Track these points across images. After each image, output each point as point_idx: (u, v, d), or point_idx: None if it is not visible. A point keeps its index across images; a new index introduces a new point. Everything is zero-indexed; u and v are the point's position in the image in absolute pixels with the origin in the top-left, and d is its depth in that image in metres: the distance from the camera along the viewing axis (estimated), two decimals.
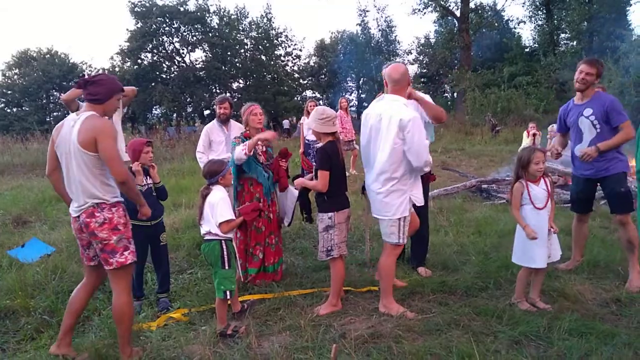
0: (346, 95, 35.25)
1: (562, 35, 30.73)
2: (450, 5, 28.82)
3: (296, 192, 4.01)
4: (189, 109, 33.72)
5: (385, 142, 3.21)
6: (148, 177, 3.78)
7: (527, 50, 31.60)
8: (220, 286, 3.21)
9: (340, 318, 3.35)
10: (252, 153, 3.93)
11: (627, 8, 28.18)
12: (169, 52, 32.08)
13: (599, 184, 3.84)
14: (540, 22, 31.71)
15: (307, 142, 8.39)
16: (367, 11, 39.61)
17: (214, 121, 5.31)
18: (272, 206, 4.17)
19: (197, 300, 3.82)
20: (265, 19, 34.79)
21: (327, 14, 61.10)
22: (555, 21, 29.83)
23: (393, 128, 3.15)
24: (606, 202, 4.30)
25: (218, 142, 5.20)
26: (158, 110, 32.40)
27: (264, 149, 4.19)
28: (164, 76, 31.64)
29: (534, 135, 9.76)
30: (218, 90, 33.17)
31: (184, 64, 32.49)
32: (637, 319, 2.95)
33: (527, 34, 47.19)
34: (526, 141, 9.94)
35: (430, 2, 28.76)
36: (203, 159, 5.18)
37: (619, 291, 3.47)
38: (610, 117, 3.61)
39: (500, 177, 7.69)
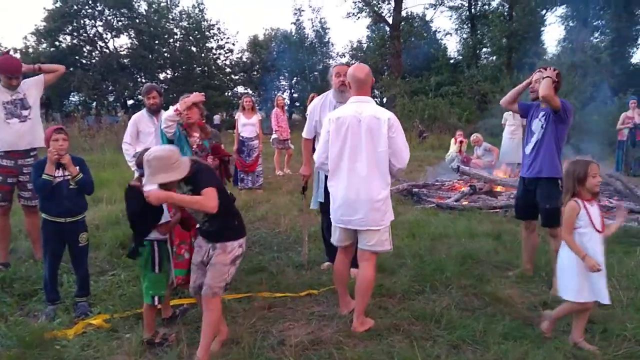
0: (279, 94, 35.09)
1: (484, 49, 32.66)
2: (383, 12, 29.57)
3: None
4: (111, 98, 31.77)
5: (379, 146, 3.02)
6: (62, 169, 3.37)
7: (452, 61, 33.21)
8: (149, 291, 2.93)
9: (279, 323, 3.21)
10: (183, 117, 3.65)
11: (542, 29, 30.54)
12: (90, 36, 29.97)
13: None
14: (465, 36, 33.48)
15: (241, 138, 8.14)
16: (303, 11, 39.73)
17: (143, 111, 4.95)
18: None
19: (120, 304, 3.50)
20: (197, 9, 33.68)
21: (261, 10, 60.54)
22: (479, 35, 31.63)
23: (384, 129, 3.00)
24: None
25: (147, 133, 4.85)
26: (76, 97, 30.16)
27: (200, 142, 3.92)
28: (84, 61, 29.50)
29: (461, 142, 10.20)
30: (144, 80, 31.51)
31: (107, 50, 30.54)
32: (565, 322, 3.08)
33: (452, 46, 49.60)
34: (453, 148, 10.37)
35: (364, 7, 29.28)
36: (130, 151, 4.84)
37: (545, 295, 3.63)
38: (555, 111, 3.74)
39: (430, 182, 7.93)
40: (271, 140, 9.77)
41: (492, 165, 9.14)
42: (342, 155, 3.11)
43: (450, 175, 8.53)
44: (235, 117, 8.50)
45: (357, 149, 3.05)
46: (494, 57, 31.04)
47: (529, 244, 4.12)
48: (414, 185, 7.62)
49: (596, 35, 27.33)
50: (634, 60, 28.52)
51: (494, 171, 8.16)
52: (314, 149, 3.88)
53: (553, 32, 70.03)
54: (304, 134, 4.24)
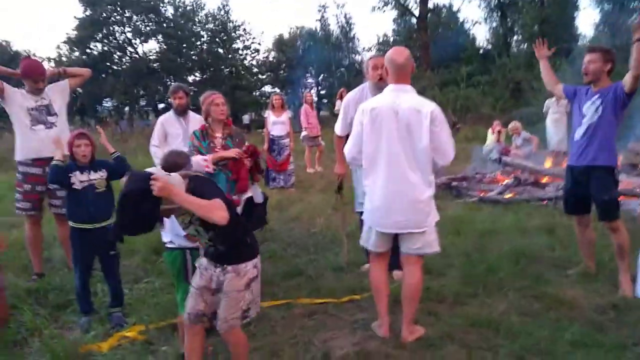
0: (307, 91, 34.86)
1: (515, 37, 31.62)
2: (409, 4, 28.98)
3: (261, 195, 3.56)
4: (142, 103, 32.27)
5: (420, 142, 2.71)
6: (90, 172, 3.29)
7: (481, 51, 32.25)
8: (184, 302, 2.76)
9: (321, 333, 2.98)
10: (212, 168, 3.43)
11: (575, 13, 29.34)
12: (120, 42, 30.50)
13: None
14: (494, 24, 32.47)
15: (272, 137, 7.97)
16: (327, 7, 39.35)
17: (170, 112, 4.82)
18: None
19: (155, 314, 3.35)
20: (223, 11, 33.80)
21: (286, 9, 60.45)
22: (509, 23, 30.61)
23: (426, 123, 2.68)
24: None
25: (175, 136, 4.71)
26: (109, 103, 30.77)
27: (223, 142, 3.73)
28: (115, 67, 30.02)
29: (499, 132, 9.75)
30: (173, 83, 31.90)
31: (137, 55, 31.00)
32: None
33: (481, 35, 48.37)
34: (491, 138, 9.92)
35: (389, 0, 28.78)
36: (158, 153, 4.68)
37: (613, 296, 3.28)
38: (616, 90, 3.37)
39: (469, 175, 7.55)
40: (301, 137, 9.56)
41: (531, 155, 8.66)
42: (378, 151, 2.79)
43: (491, 167, 8.12)
44: (265, 116, 8.34)
45: (395, 145, 2.73)
46: (525, 45, 29.97)
47: (586, 240, 3.75)
48: (452, 179, 7.27)
49: (635, 16, 26.06)
50: None
51: (545, 159, 7.63)
52: None
53: (587, 15, 67.32)
54: (337, 131, 3.96)
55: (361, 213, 3.21)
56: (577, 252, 3.97)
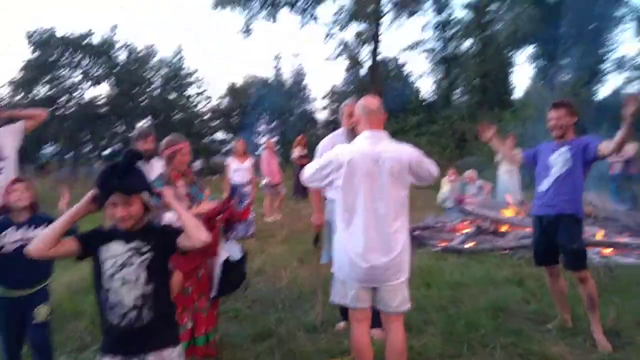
0: (254, 136, 34.75)
1: (458, 90, 33.39)
2: (359, 58, 30.22)
3: (239, 251, 3.32)
4: (87, 148, 31.03)
5: (401, 189, 2.70)
6: (28, 229, 2.78)
7: (424, 103, 33.68)
8: None
9: None
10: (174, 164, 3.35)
11: (512, 68, 31.58)
12: (66, 86, 29.55)
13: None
14: (439, 76, 34.26)
15: (233, 184, 7.72)
16: (281, 57, 40.26)
17: None
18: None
19: None
20: (176, 57, 33.79)
21: (238, 58, 61.30)
22: (453, 76, 32.38)
23: (406, 173, 2.70)
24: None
25: None
26: (50, 148, 29.29)
27: (188, 190, 3.51)
28: (61, 111, 28.92)
29: (452, 181, 9.98)
30: (123, 127, 31.00)
31: (84, 100, 30.09)
32: None
33: (424, 87, 50.69)
34: (446, 187, 10.11)
35: (342, 52, 29.91)
36: None
37: (597, 353, 3.23)
38: (588, 147, 3.46)
39: (431, 224, 7.58)
40: (262, 185, 9.37)
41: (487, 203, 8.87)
42: (357, 201, 2.66)
43: (451, 216, 8.22)
44: (226, 163, 8.12)
45: (375, 193, 2.65)
46: (467, 97, 31.66)
47: (558, 291, 3.76)
48: (415, 228, 7.26)
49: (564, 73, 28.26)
50: (600, 97, 29.47)
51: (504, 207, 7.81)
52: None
53: (523, 70, 72.82)
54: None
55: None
56: (550, 305, 3.95)
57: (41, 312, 2.82)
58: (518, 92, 30.94)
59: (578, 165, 3.51)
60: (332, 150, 2.84)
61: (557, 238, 3.56)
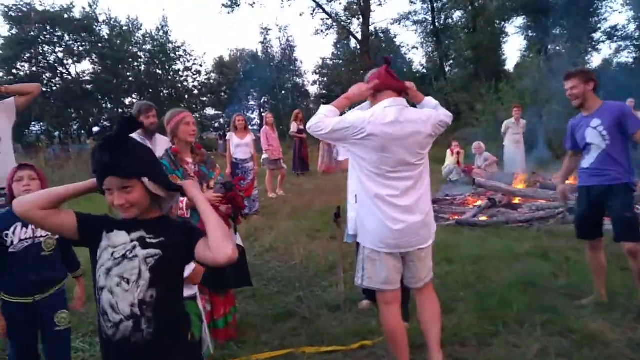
0: (243, 113, 34.02)
1: (451, 61, 33.02)
2: (351, 28, 29.55)
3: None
4: (75, 126, 30.35)
5: (426, 149, 2.64)
6: (28, 228, 2.38)
7: (417, 75, 33.30)
8: None
9: None
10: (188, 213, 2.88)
11: (505, 39, 31.30)
12: (50, 62, 28.62)
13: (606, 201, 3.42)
14: (430, 49, 33.82)
15: (235, 160, 7.48)
16: (270, 30, 39.34)
17: (135, 134, 4.24)
18: None
19: None
20: (162, 32, 32.78)
21: (226, 32, 59.86)
22: (445, 48, 31.96)
23: (429, 132, 2.59)
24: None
25: None
26: (37, 127, 28.58)
27: (197, 168, 3.26)
28: (45, 89, 28.07)
29: (458, 153, 9.82)
30: (109, 105, 30.27)
31: (69, 76, 29.21)
32: None
33: (417, 59, 50.11)
34: (450, 159, 9.97)
35: (332, 24, 29.20)
36: None
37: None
38: (622, 126, 3.28)
39: (440, 197, 7.43)
40: (262, 160, 9.11)
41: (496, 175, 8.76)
42: (387, 167, 2.50)
43: (461, 189, 8.07)
44: (227, 138, 7.84)
45: (408, 157, 2.51)
46: (457, 69, 31.37)
47: (599, 266, 3.57)
48: None
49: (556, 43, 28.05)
50: (593, 65, 29.39)
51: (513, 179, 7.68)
52: None
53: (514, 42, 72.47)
54: (341, 156, 3.67)
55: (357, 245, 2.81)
56: (581, 279, 3.83)
57: (61, 319, 2.47)
58: (509, 64, 30.91)
59: (617, 139, 3.32)
60: (360, 115, 2.59)
61: (607, 208, 3.39)
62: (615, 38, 28.60)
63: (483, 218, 6.38)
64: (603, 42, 28.66)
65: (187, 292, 2.30)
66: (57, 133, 28.12)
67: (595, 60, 28.63)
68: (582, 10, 26.12)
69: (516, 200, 6.78)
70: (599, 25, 28.50)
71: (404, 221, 2.47)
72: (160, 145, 4.28)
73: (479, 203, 6.77)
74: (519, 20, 30.37)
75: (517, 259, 4.56)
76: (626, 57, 29.07)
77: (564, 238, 5.11)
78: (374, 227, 2.52)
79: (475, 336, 3.08)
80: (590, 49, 27.15)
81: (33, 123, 27.55)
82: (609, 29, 28.08)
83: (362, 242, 2.60)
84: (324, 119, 2.57)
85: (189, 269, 2.26)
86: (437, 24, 31.41)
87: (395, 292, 2.62)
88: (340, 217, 3.69)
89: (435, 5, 30.71)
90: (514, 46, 69.17)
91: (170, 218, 1.75)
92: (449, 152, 10.16)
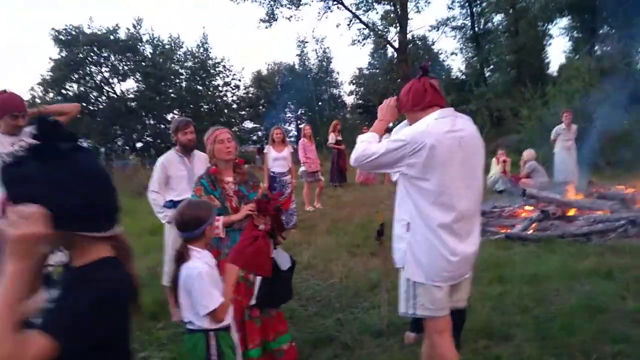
0: (280, 125, 34.07)
1: (492, 66, 32.11)
2: (388, 37, 29.29)
3: (288, 259, 2.81)
4: (119, 142, 31.45)
5: (480, 169, 2.43)
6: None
7: (456, 82, 32.51)
8: None
9: None
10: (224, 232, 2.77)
11: (549, 41, 30.17)
12: (97, 82, 29.85)
13: None
14: (470, 54, 33.01)
15: (272, 174, 7.36)
16: (307, 42, 39.62)
17: (172, 152, 4.19)
18: None
19: None
20: (202, 48, 33.61)
21: (264, 46, 60.95)
22: (485, 54, 31.11)
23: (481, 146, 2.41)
24: None
25: (178, 178, 4.07)
26: (84, 143, 29.76)
27: (236, 188, 3.08)
28: (92, 107, 29.28)
29: (504, 162, 9.36)
30: (152, 122, 31.19)
31: (115, 95, 30.36)
32: None
33: (456, 65, 49.12)
34: (496, 169, 9.52)
35: (370, 34, 29.04)
36: (159, 200, 4.02)
37: None
38: None
39: (487, 210, 7.03)
40: (299, 173, 8.97)
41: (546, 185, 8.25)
42: (449, 191, 2.22)
43: (509, 200, 7.64)
44: (265, 152, 7.76)
45: (467, 180, 2.27)
46: (498, 74, 30.42)
47: None
48: None
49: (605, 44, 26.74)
50: None
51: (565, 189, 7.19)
52: None
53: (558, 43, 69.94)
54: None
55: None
56: None
57: None
58: (553, 66, 29.74)
59: None
60: (412, 129, 2.32)
61: None
62: None
63: (531, 232, 5.95)
64: None
65: (218, 324, 2.16)
66: (102, 149, 29.16)
67: None
68: (632, 7, 24.87)
69: (571, 212, 6.30)
70: None
71: (463, 252, 2.25)
72: (199, 162, 4.18)
73: (530, 215, 6.33)
74: (564, 21, 29.31)
75: (578, 278, 4.16)
76: None
77: (627, 254, 4.65)
78: (430, 260, 2.25)
79: None
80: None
81: (80, 140, 28.62)
82: None
83: (411, 276, 2.30)
84: (370, 145, 2.34)
85: (214, 300, 2.09)
86: (476, 28, 30.66)
87: (448, 317, 2.36)
88: (383, 235, 3.45)
89: (474, 9, 30.00)
90: (557, 48, 66.60)
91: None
92: (494, 160, 9.69)
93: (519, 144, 16.62)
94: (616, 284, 3.95)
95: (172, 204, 4.01)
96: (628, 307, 3.48)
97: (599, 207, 6.13)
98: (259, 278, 2.72)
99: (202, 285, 2.10)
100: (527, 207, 6.65)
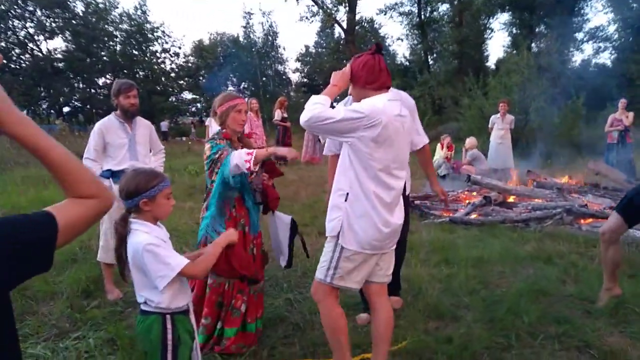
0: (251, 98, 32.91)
1: (435, 55, 32.92)
2: (337, 17, 29.08)
3: (288, 219, 2.96)
4: (44, 105, 29.16)
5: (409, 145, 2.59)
6: None
7: (400, 67, 33.08)
8: None
9: None
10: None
11: (490, 34, 31.38)
12: (20, 37, 27.29)
13: None
14: (415, 42, 33.60)
15: None
16: (253, 14, 38.50)
17: (110, 117, 3.82)
18: (257, 238, 3.04)
19: None
20: (140, 11, 31.64)
21: (206, 15, 58.35)
22: (430, 42, 31.77)
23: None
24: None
25: (118, 146, 3.73)
26: None
27: None
28: (14, 65, 26.80)
29: (449, 147, 9.59)
30: (81, 85, 29.15)
31: (40, 53, 27.94)
32: None
33: (401, 51, 49.99)
34: (440, 153, 9.72)
35: (318, 11, 28.66)
36: (95, 169, 3.63)
37: None
38: None
39: (432, 193, 7.14)
40: None
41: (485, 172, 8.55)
42: (403, 152, 2.42)
43: (451, 184, 7.82)
44: (206, 124, 7.41)
45: (401, 155, 2.40)
46: (441, 63, 31.28)
47: (616, 258, 3.30)
48: (414, 197, 6.82)
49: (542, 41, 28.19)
50: (575, 64, 29.68)
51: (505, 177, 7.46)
52: None
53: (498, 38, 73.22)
54: (326, 150, 3.40)
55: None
56: (590, 287, 3.59)
57: None
58: (491, 60, 31.03)
59: None
60: (372, 103, 2.28)
61: None
62: (596, 39, 28.95)
63: (474, 216, 6.14)
64: (586, 42, 28.93)
65: (176, 303, 1.94)
66: (25, 111, 26.94)
67: (576, 60, 28.96)
68: (567, 9, 26.28)
69: (511, 199, 6.55)
70: (583, 25, 28.75)
71: (394, 223, 2.37)
72: (142, 129, 3.88)
73: (474, 201, 6.50)
74: (504, 17, 30.51)
75: (520, 262, 4.31)
76: (605, 58, 29.55)
77: (565, 241, 4.88)
78: (364, 228, 2.31)
79: (487, 350, 2.79)
80: (572, 49, 27.45)
81: None
82: (593, 29, 28.34)
83: (344, 243, 2.34)
84: (326, 109, 2.27)
85: (173, 265, 1.88)
86: (422, 16, 31.16)
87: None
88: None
89: None
90: (496, 43, 69.63)
91: None
92: (438, 145, 9.89)
93: (459, 132, 17.22)
94: (556, 268, 4.12)
95: (110, 174, 3.68)
96: (568, 291, 3.64)
97: (537, 196, 6.42)
98: (284, 237, 2.99)
99: (154, 257, 1.86)
100: (468, 193, 6.84)
